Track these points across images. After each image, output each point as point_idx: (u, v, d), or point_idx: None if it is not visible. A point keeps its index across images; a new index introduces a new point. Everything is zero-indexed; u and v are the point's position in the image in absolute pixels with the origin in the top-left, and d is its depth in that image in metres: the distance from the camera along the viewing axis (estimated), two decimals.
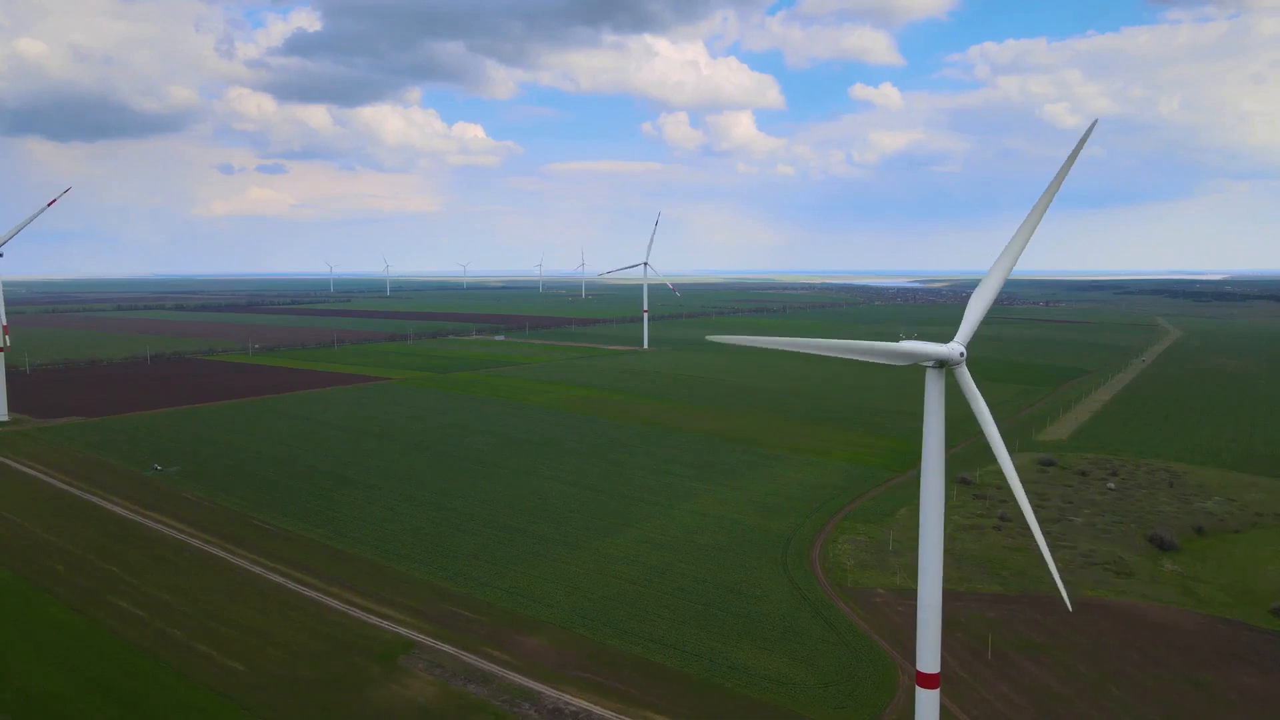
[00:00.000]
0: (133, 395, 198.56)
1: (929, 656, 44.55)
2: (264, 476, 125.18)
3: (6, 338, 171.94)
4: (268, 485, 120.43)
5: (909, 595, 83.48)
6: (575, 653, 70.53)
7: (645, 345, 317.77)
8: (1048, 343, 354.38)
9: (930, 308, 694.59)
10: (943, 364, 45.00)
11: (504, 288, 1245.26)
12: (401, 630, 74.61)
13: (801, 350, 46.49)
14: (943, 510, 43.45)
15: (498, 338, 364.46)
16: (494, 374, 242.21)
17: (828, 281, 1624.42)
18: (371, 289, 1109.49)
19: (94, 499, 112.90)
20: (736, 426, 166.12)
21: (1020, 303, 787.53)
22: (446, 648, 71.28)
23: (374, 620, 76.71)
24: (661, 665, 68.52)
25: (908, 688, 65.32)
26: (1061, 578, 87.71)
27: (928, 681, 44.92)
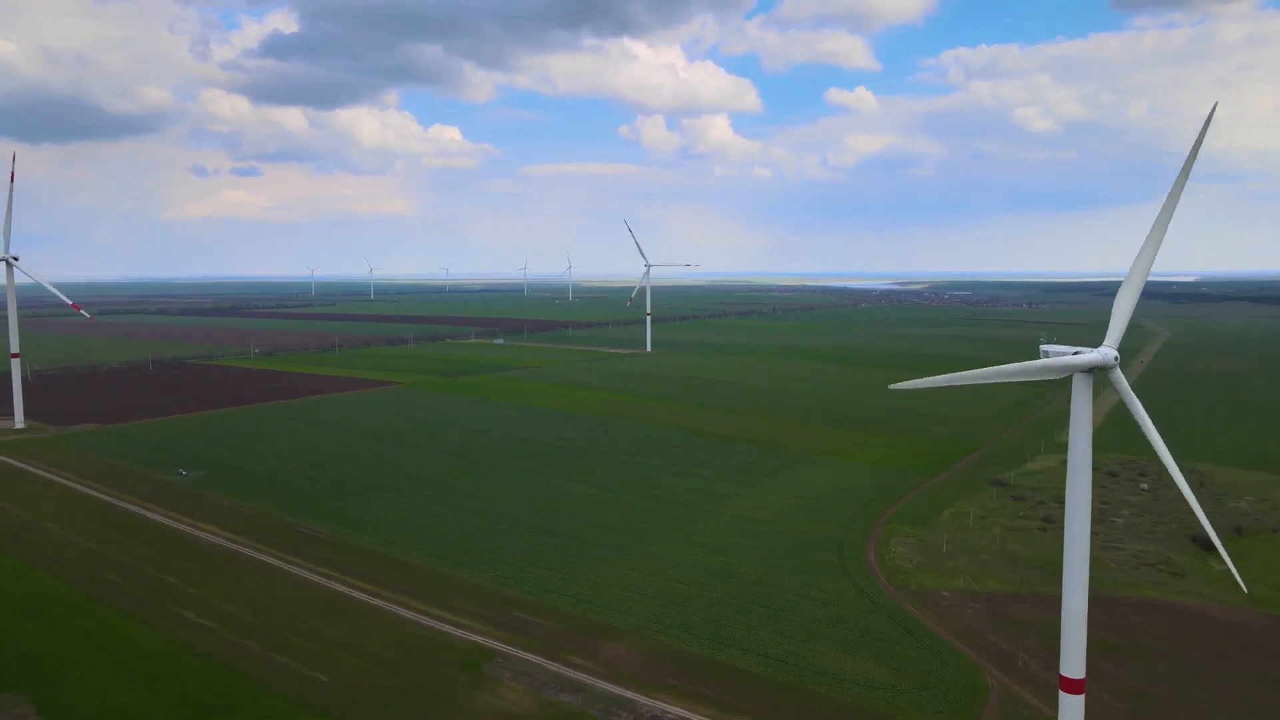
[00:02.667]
0: (145, 401, 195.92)
1: (1074, 662, 44.75)
2: (295, 483, 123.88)
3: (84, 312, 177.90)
4: (301, 491, 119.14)
5: (974, 598, 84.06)
6: (659, 659, 70.25)
7: (648, 348, 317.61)
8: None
9: (918, 309, 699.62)
10: (1093, 369, 45.11)
11: (486, 290, 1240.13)
12: (477, 638, 73.96)
13: (978, 382, 46.57)
14: (1089, 517, 43.55)
15: (497, 341, 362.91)
16: (502, 377, 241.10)
17: (807, 284, 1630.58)
18: (355, 292, 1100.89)
19: (132, 507, 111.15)
20: (754, 429, 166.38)
21: (1002, 304, 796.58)
22: (528, 656, 70.75)
23: (446, 628, 76.01)
24: (748, 671, 68.39)
25: (998, 691, 65.77)
26: (1117, 579, 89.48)
27: (1072, 687, 45.13)
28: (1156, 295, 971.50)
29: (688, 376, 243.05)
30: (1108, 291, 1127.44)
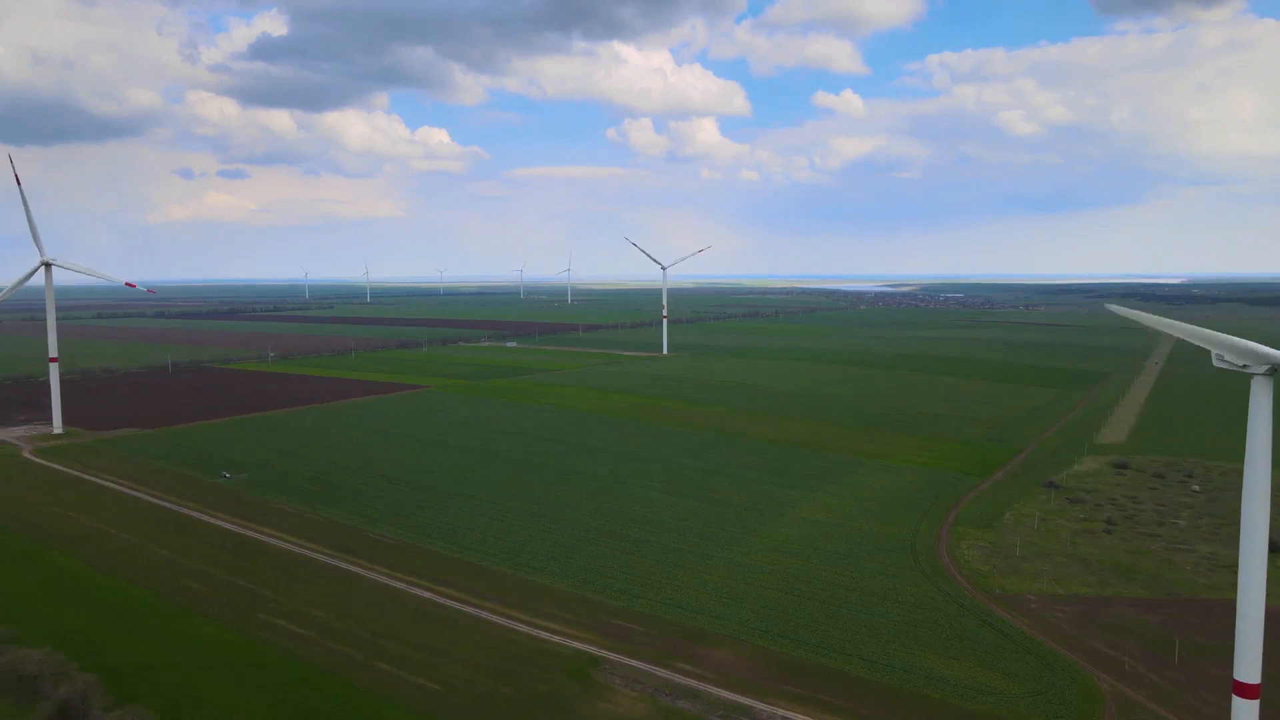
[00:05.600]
0: (177, 405, 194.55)
1: (1249, 666, 44.91)
2: (350, 487, 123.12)
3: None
4: (357, 496, 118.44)
5: (1059, 601, 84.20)
6: (766, 665, 70.10)
7: (665, 351, 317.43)
8: (1051, 346, 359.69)
9: (917, 311, 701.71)
10: (1275, 370, 44.94)
11: (480, 293, 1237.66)
12: (577, 645, 73.63)
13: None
14: (1267, 522, 43.52)
15: (509, 344, 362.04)
16: (529, 381, 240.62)
17: (796, 286, 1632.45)
18: (349, 295, 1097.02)
19: (195, 513, 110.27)
20: (792, 432, 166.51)
21: (999, 306, 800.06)
22: (634, 663, 70.45)
23: (544, 635, 75.60)
24: (859, 677, 68.28)
25: (1113, 696, 65.85)
26: (1197, 581, 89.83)
27: (1247, 691, 45.28)
28: (1149, 297, 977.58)
29: (712, 380, 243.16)
30: (1099, 293, 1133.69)
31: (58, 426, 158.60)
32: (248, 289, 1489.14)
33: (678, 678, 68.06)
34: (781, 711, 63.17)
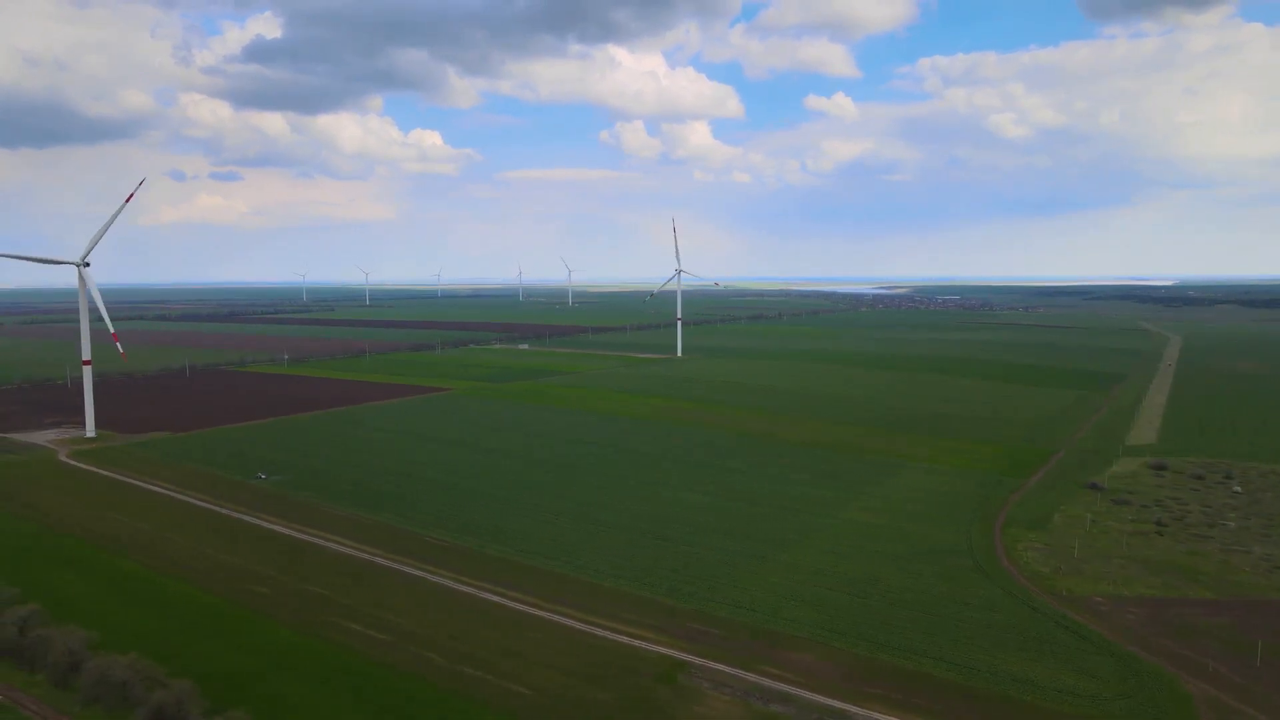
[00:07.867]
0: (202, 409, 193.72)
1: None
2: (390, 490, 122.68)
3: (119, 345, 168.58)
4: (400, 499, 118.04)
5: (1127, 602, 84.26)
6: (849, 667, 69.97)
7: (679, 353, 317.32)
8: (1061, 348, 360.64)
9: (919, 313, 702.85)
10: None
11: (478, 295, 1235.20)
12: (659, 649, 73.37)
13: None
14: None
15: (521, 346, 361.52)
16: (550, 384, 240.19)
17: (793, 288, 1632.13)
18: (348, 297, 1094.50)
19: (240, 516, 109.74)
20: (822, 434, 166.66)
21: (998, 308, 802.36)
22: (719, 666, 70.24)
23: (623, 639, 75.31)
24: (946, 680, 68.18)
25: (1203, 698, 65.86)
26: (1259, 582, 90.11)
27: None
28: (1146, 299, 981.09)
29: (732, 382, 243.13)
30: (1094, 295, 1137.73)
31: (90, 430, 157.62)
32: (244, 291, 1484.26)
33: (765, 681, 67.92)
34: (878, 715, 63.01)
